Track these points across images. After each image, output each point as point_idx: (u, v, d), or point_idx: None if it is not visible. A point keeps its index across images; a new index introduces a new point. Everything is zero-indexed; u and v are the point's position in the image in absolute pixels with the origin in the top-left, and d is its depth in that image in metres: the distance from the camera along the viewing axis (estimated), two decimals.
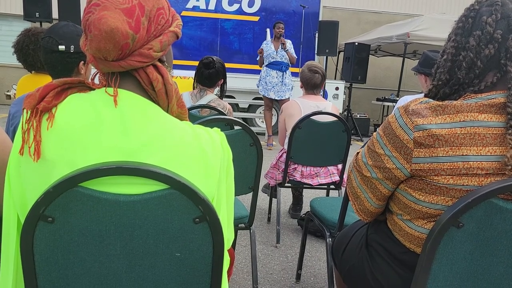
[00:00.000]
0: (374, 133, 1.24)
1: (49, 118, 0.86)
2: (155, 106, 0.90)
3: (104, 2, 0.84)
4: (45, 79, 2.34)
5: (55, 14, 6.74)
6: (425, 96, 1.19)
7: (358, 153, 1.32)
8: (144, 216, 0.85)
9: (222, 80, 3.09)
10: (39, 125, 0.85)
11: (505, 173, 1.02)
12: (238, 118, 8.09)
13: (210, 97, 2.97)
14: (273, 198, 3.58)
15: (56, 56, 1.79)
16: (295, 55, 6.81)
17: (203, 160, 0.89)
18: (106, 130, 0.85)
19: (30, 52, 2.40)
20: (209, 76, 2.99)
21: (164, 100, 0.92)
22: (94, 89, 0.92)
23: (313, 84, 3.25)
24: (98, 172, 0.81)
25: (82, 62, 1.89)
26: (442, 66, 1.17)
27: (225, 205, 0.97)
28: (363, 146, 1.38)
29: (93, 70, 1.01)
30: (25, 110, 0.87)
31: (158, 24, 0.90)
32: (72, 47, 1.81)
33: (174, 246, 0.88)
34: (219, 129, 1.00)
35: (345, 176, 3.16)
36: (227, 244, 1.02)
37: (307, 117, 2.90)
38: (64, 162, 0.83)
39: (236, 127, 2.08)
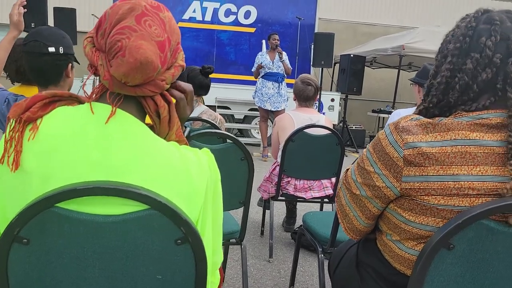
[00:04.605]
0: (364, 150, 1.21)
1: (32, 129, 0.84)
2: (145, 127, 0.89)
3: (141, 29, 0.84)
4: (33, 91, 2.31)
5: (50, 24, 6.72)
6: (414, 113, 1.16)
7: (347, 169, 1.29)
8: (123, 237, 0.82)
9: None
10: (22, 135, 0.84)
11: (498, 193, 0.99)
12: (233, 129, 8.00)
13: (201, 108, 2.94)
14: (266, 210, 3.54)
15: (46, 59, 1.76)
16: (290, 66, 6.83)
17: (187, 183, 0.87)
18: (88, 145, 0.83)
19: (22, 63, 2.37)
20: (208, 85, 2.93)
21: (165, 128, 0.93)
22: (83, 103, 0.91)
23: (305, 96, 3.24)
24: (75, 192, 0.78)
25: (71, 65, 1.86)
26: (436, 89, 1.12)
27: (210, 228, 0.94)
28: (353, 163, 1.36)
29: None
30: (9, 119, 0.86)
31: (174, 58, 0.93)
32: (61, 48, 1.79)
33: (155, 268, 0.86)
34: (208, 150, 0.98)
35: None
36: (214, 267, 1.00)
37: (300, 130, 2.88)
38: (39, 175, 0.81)
39: (227, 140, 2.05)
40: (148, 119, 0.95)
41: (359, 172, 1.19)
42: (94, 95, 0.90)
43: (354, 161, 1.29)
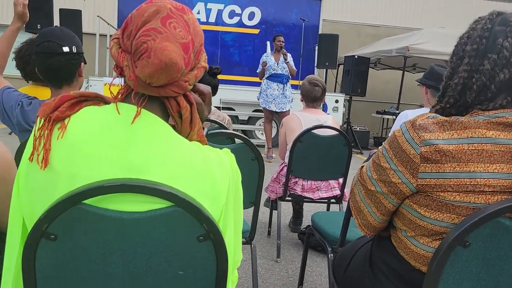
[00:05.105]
0: (380, 147, 1.23)
1: (61, 128, 0.86)
2: (168, 127, 0.90)
3: (166, 31, 0.86)
4: (46, 91, 2.32)
5: (56, 25, 6.75)
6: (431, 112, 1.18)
7: (362, 166, 1.31)
8: (147, 233, 0.84)
9: None
10: (50, 133, 0.86)
11: None
12: (237, 130, 8.01)
13: None
14: (273, 211, 3.56)
15: (60, 59, 1.77)
16: (295, 68, 6.84)
17: (210, 182, 0.89)
18: (115, 145, 0.85)
19: (30, 61, 2.38)
20: (216, 86, 2.93)
21: (187, 128, 0.94)
22: (109, 103, 0.93)
23: (313, 97, 3.26)
24: (102, 189, 0.80)
25: (82, 64, 1.88)
26: (453, 89, 1.14)
27: (232, 226, 0.96)
28: (367, 160, 1.37)
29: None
30: (38, 118, 0.88)
31: (197, 59, 0.94)
32: (74, 47, 1.80)
33: (177, 264, 0.87)
34: (229, 150, 1.00)
35: (345, 190, 3.15)
36: (235, 266, 1.01)
37: (308, 130, 2.90)
38: (67, 174, 0.83)
39: (237, 141, 2.08)
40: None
41: (374, 168, 1.21)
42: (120, 95, 0.92)
43: (368, 158, 1.30)
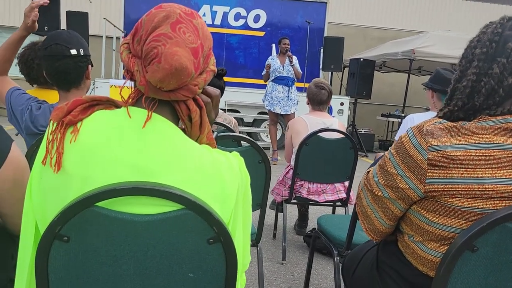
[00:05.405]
0: (386, 152, 1.23)
1: (73, 131, 0.88)
2: (178, 131, 0.91)
3: (176, 37, 0.87)
4: (51, 94, 2.33)
5: (63, 28, 6.79)
6: (438, 117, 1.18)
7: (369, 171, 1.31)
8: (158, 236, 0.85)
9: None
10: (63, 137, 0.87)
11: None
12: (242, 132, 8.02)
13: None
14: (279, 213, 3.56)
15: (69, 62, 1.78)
16: (300, 71, 6.85)
17: (220, 185, 0.90)
18: (126, 148, 0.86)
19: (34, 66, 2.39)
20: (222, 87, 2.92)
21: (196, 131, 0.95)
22: (120, 107, 0.94)
23: (319, 100, 3.27)
24: (114, 192, 0.81)
25: (90, 66, 1.89)
26: (461, 92, 1.13)
27: (241, 229, 0.97)
28: (373, 165, 1.37)
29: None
30: (51, 122, 0.90)
31: (206, 63, 0.95)
32: (81, 50, 1.82)
33: (188, 266, 0.88)
34: (238, 154, 1.01)
35: (351, 193, 3.15)
36: (243, 269, 1.02)
37: (314, 133, 2.91)
38: (79, 177, 0.84)
39: (244, 143, 2.08)
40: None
41: (381, 174, 1.21)
42: (131, 99, 0.93)
43: (374, 163, 1.31)
